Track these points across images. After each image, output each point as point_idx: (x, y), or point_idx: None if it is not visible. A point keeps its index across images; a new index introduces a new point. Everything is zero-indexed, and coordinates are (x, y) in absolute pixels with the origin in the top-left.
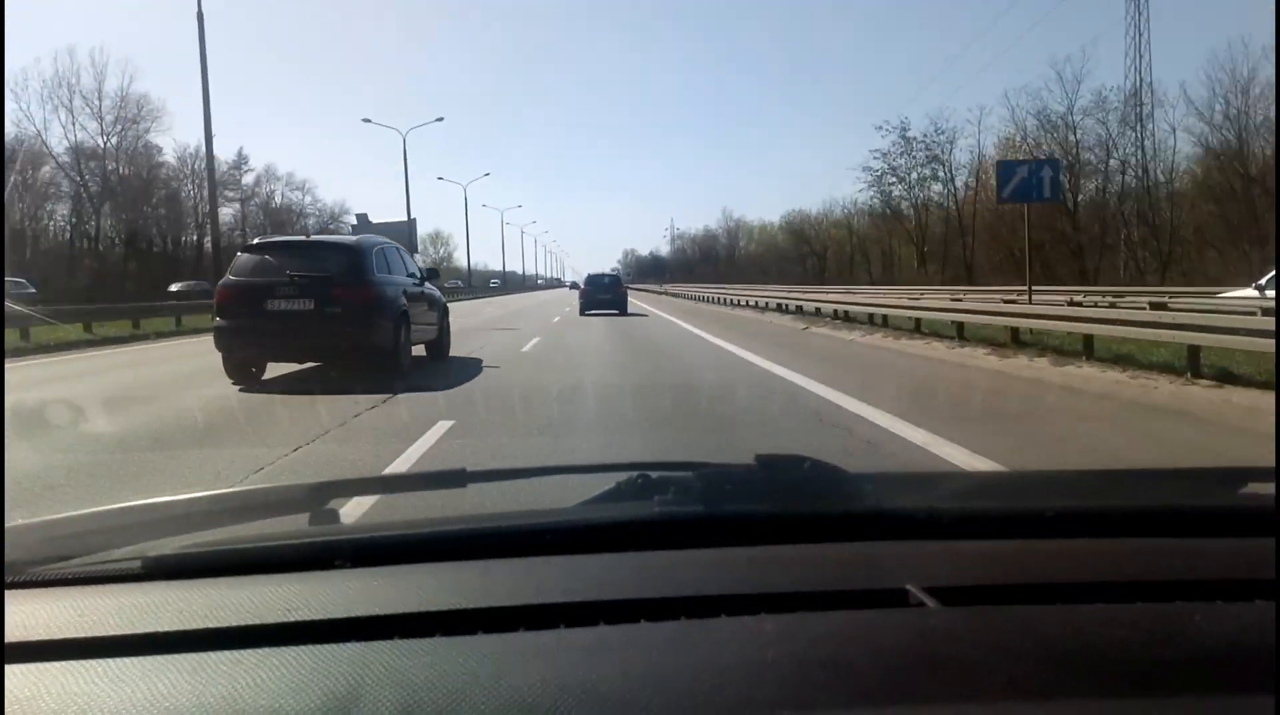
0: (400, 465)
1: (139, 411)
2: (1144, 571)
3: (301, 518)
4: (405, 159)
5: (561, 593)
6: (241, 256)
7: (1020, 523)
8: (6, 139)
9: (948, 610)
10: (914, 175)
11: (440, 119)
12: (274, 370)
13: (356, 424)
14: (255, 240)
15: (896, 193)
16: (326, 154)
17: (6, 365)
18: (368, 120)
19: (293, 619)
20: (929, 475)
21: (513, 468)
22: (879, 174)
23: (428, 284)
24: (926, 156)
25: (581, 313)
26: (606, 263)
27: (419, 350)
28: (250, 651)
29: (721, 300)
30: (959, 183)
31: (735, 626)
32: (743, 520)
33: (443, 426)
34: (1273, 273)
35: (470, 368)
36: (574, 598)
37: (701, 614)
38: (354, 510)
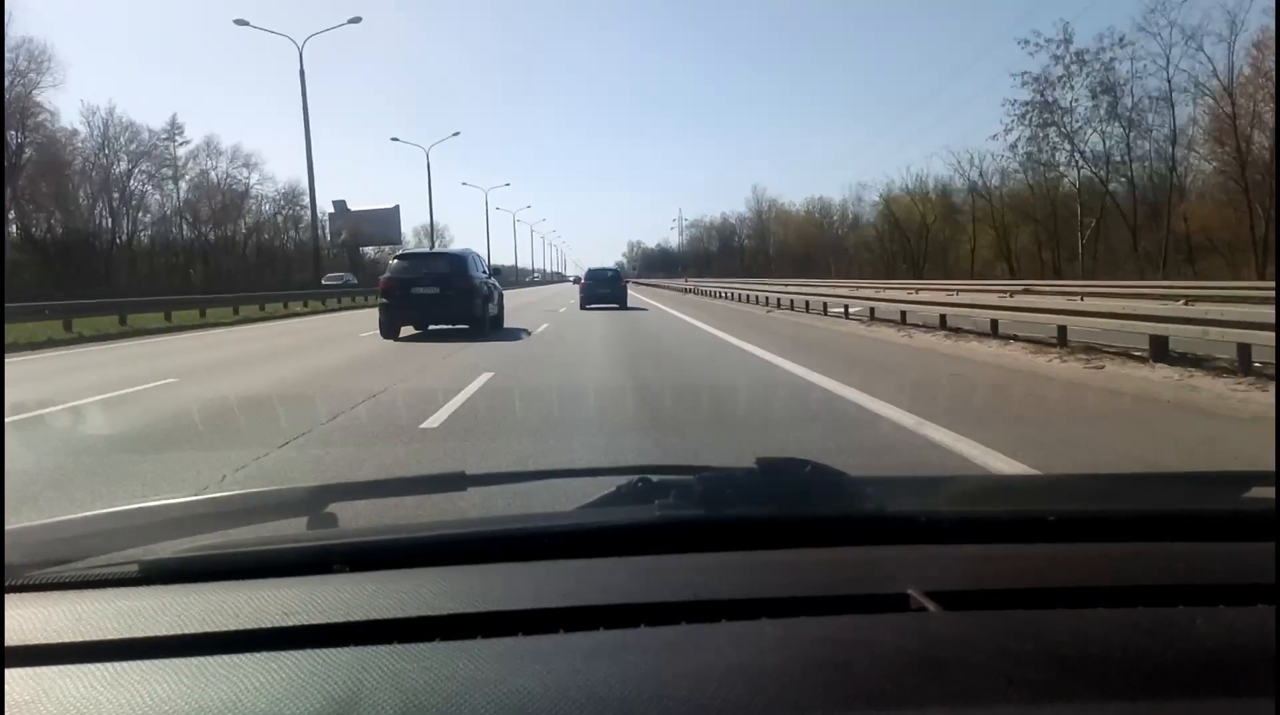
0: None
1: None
2: (1145, 575)
3: (300, 521)
4: (304, 95)
5: (561, 597)
6: (394, 262)
7: (1021, 527)
8: None
9: (949, 614)
10: (1079, 108)
11: (355, 20)
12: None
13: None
14: (400, 251)
15: (1053, 138)
16: (279, 127)
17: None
18: (243, 22)
19: (291, 623)
20: (930, 479)
21: (512, 471)
22: (1024, 111)
23: (492, 279)
24: (1095, 88)
25: (582, 307)
26: (611, 256)
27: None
28: (249, 656)
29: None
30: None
31: (736, 631)
32: (743, 524)
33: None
34: None
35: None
36: (574, 602)
37: (702, 618)
38: (352, 513)
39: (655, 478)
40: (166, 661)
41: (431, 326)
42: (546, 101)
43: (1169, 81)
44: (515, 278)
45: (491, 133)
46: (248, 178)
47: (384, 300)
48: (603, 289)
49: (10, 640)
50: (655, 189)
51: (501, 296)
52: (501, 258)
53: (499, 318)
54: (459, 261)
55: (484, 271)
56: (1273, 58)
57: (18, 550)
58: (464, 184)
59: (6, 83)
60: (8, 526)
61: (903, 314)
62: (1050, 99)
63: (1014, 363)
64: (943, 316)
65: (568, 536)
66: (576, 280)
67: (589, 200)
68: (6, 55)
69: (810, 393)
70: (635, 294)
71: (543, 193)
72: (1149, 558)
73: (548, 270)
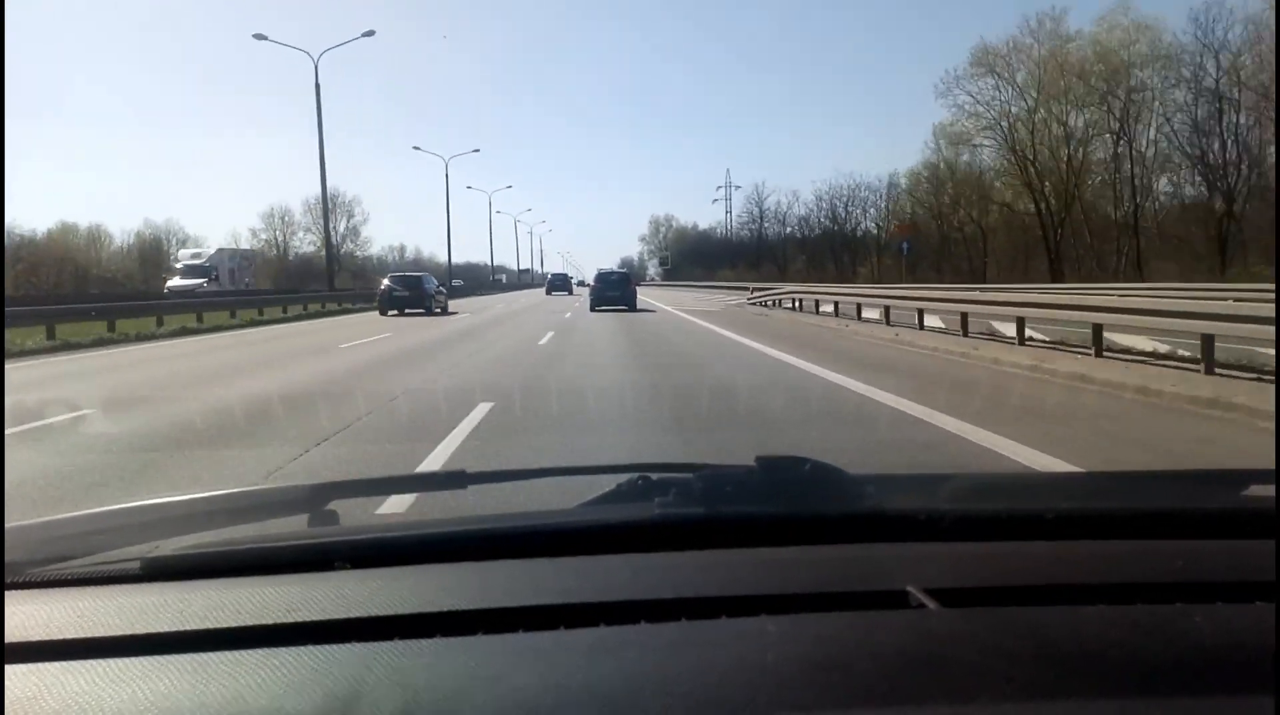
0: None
1: (537, 299)
2: (1144, 573)
3: (301, 519)
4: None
5: (561, 594)
6: (551, 275)
7: (1020, 524)
8: None
9: (948, 611)
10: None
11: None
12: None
13: (568, 298)
14: (554, 271)
15: None
16: None
17: None
18: None
19: (293, 620)
20: (929, 476)
21: (513, 469)
22: None
23: (573, 279)
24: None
25: (591, 308)
26: (619, 249)
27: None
28: (250, 652)
29: None
30: None
31: (735, 628)
32: (743, 522)
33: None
34: None
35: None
36: (574, 599)
37: (702, 615)
38: (354, 511)
39: (655, 475)
40: (168, 658)
41: (557, 293)
42: (539, 88)
43: None
44: (485, 281)
45: (478, 94)
46: None
47: (547, 285)
48: (612, 292)
49: (12, 637)
50: (690, 154)
51: (574, 284)
52: (471, 254)
53: (572, 290)
54: (566, 276)
55: (578, 279)
56: None
57: (20, 547)
58: (418, 149)
59: None
60: (10, 523)
61: None
62: None
63: None
64: None
65: (568, 534)
66: (581, 283)
67: (591, 188)
68: None
69: None
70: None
71: (525, 177)
72: (1147, 555)
73: (540, 271)
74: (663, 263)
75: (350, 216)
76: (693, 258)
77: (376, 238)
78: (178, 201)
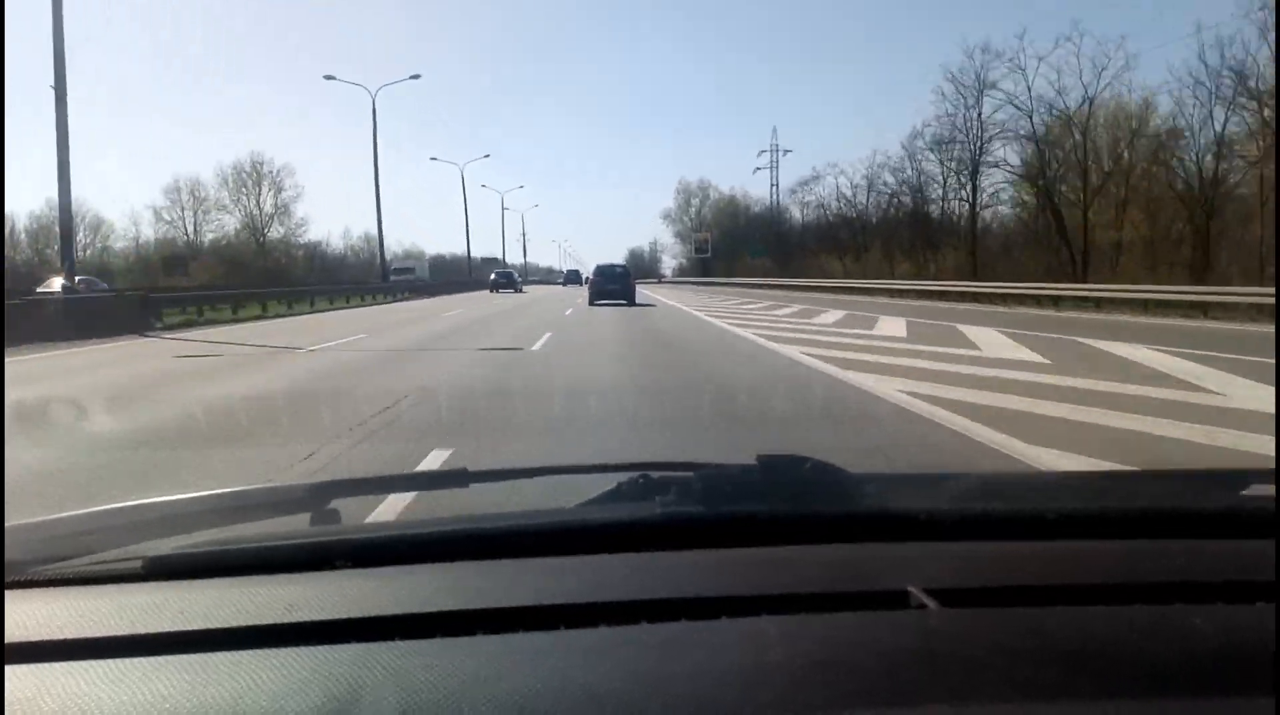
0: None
1: (555, 290)
2: (1144, 573)
3: (302, 518)
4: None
5: (561, 594)
6: (566, 272)
7: (1021, 524)
8: None
9: (949, 611)
10: None
11: None
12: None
13: (577, 288)
14: (555, 265)
15: None
16: None
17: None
18: None
19: (293, 619)
20: (931, 476)
21: (514, 467)
22: None
23: (581, 273)
24: None
25: (591, 303)
26: (640, 233)
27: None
28: (250, 652)
29: None
30: None
31: (736, 628)
32: (744, 521)
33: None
34: None
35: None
36: (574, 599)
37: (702, 615)
38: (355, 510)
39: (656, 474)
40: (168, 658)
41: (571, 285)
42: (534, 69)
43: None
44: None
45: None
46: None
47: (564, 279)
48: (611, 286)
49: (12, 636)
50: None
51: (583, 278)
52: (452, 243)
53: (582, 283)
54: (578, 271)
55: (586, 277)
56: None
57: (20, 546)
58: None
59: None
60: (11, 522)
61: None
62: None
63: None
64: None
65: (568, 533)
66: (588, 279)
67: (595, 168)
68: None
69: None
70: None
71: (521, 164)
72: (1148, 555)
73: (529, 264)
74: (699, 250)
75: (280, 190)
76: (753, 242)
77: (316, 218)
78: (85, 180)
